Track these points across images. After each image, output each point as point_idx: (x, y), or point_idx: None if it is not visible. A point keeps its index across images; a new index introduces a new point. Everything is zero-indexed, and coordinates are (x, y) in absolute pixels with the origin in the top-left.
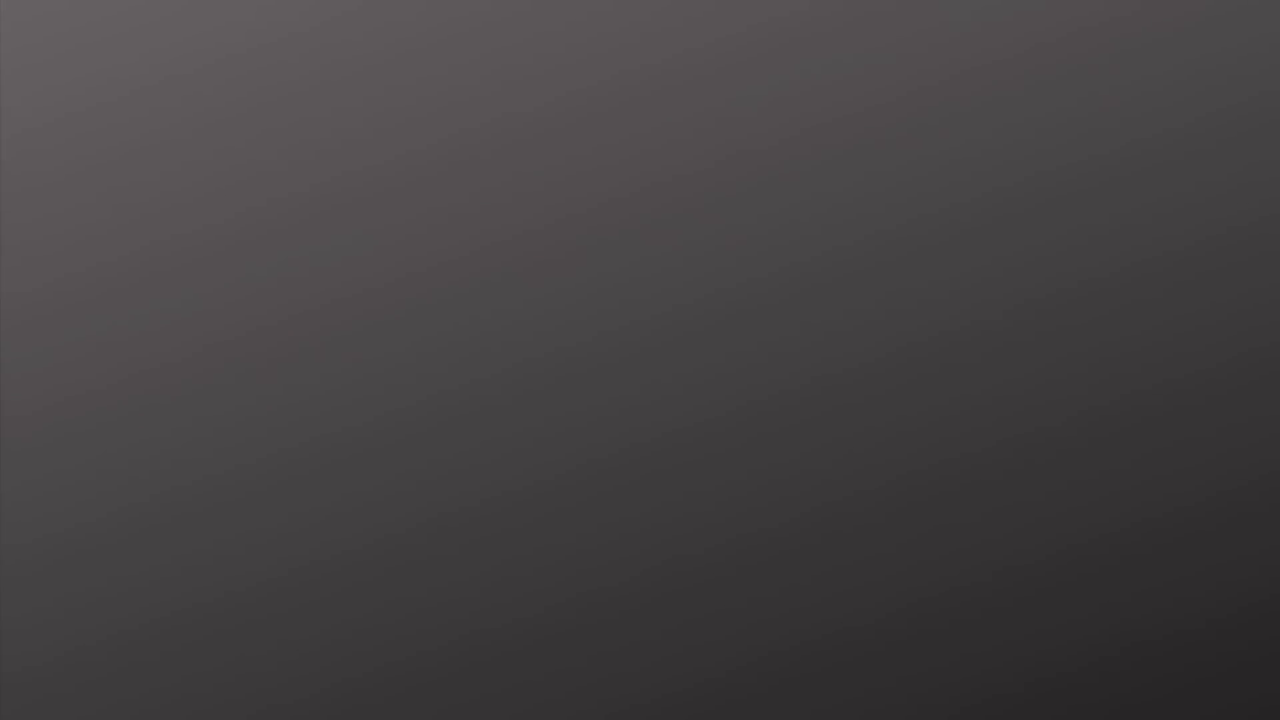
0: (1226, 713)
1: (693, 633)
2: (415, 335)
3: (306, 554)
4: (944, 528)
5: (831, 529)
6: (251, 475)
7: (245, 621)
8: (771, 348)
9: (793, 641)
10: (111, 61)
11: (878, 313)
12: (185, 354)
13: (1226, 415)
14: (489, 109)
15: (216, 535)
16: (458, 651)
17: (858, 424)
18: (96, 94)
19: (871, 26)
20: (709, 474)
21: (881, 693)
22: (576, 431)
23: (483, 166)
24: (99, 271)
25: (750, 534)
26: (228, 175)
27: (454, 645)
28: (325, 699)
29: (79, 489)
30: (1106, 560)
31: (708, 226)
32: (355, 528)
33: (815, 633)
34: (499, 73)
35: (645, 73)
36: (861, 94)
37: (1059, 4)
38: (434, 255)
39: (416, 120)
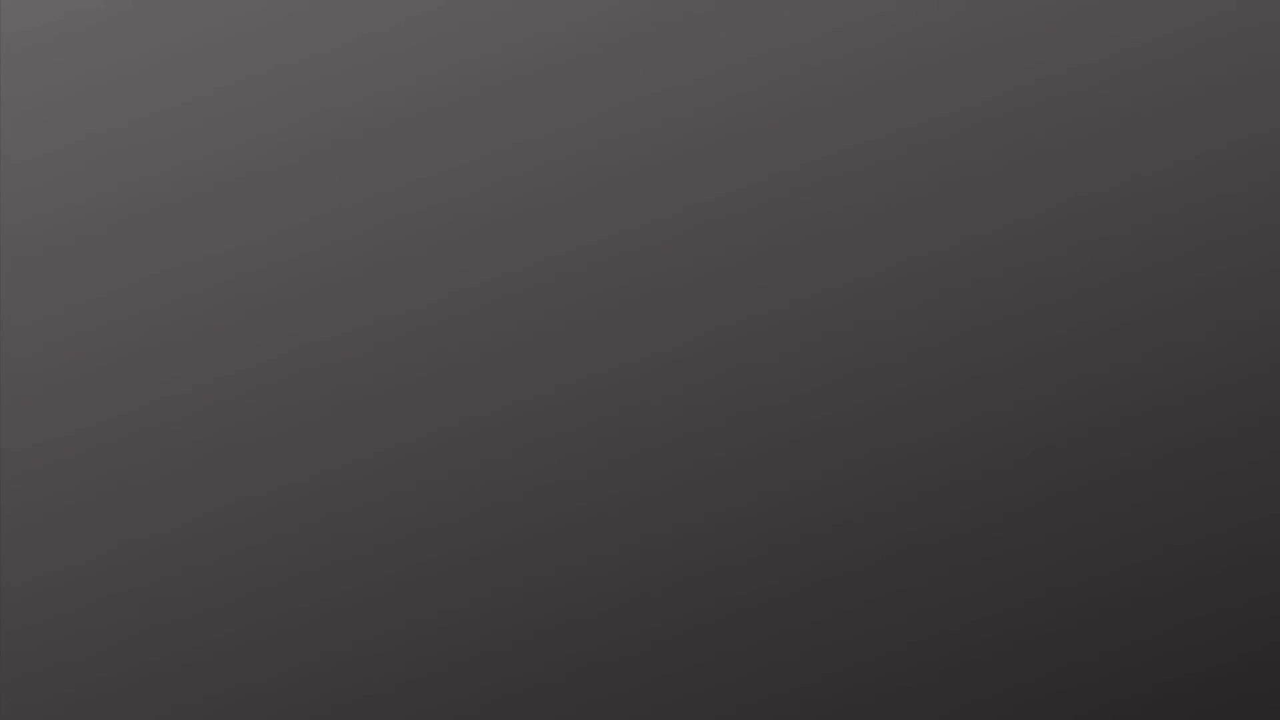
0: None
1: (704, 658)
2: (424, 360)
3: (318, 573)
4: (952, 540)
5: (847, 548)
6: (267, 495)
7: (259, 640)
8: (790, 361)
9: (807, 668)
10: (119, 85)
11: (889, 328)
12: (203, 378)
13: (1244, 441)
14: (511, 134)
15: (231, 553)
16: (466, 674)
17: (874, 439)
18: (103, 117)
19: (893, 53)
20: (722, 491)
21: (897, 710)
22: (594, 452)
23: (496, 190)
24: (103, 295)
25: (760, 557)
26: (245, 200)
27: (461, 668)
28: (336, 717)
29: (86, 514)
30: (1121, 584)
31: (722, 249)
32: (360, 554)
33: (830, 653)
34: (513, 97)
35: (664, 96)
36: (883, 117)
37: (1080, 32)
38: (450, 280)
39: (439, 143)
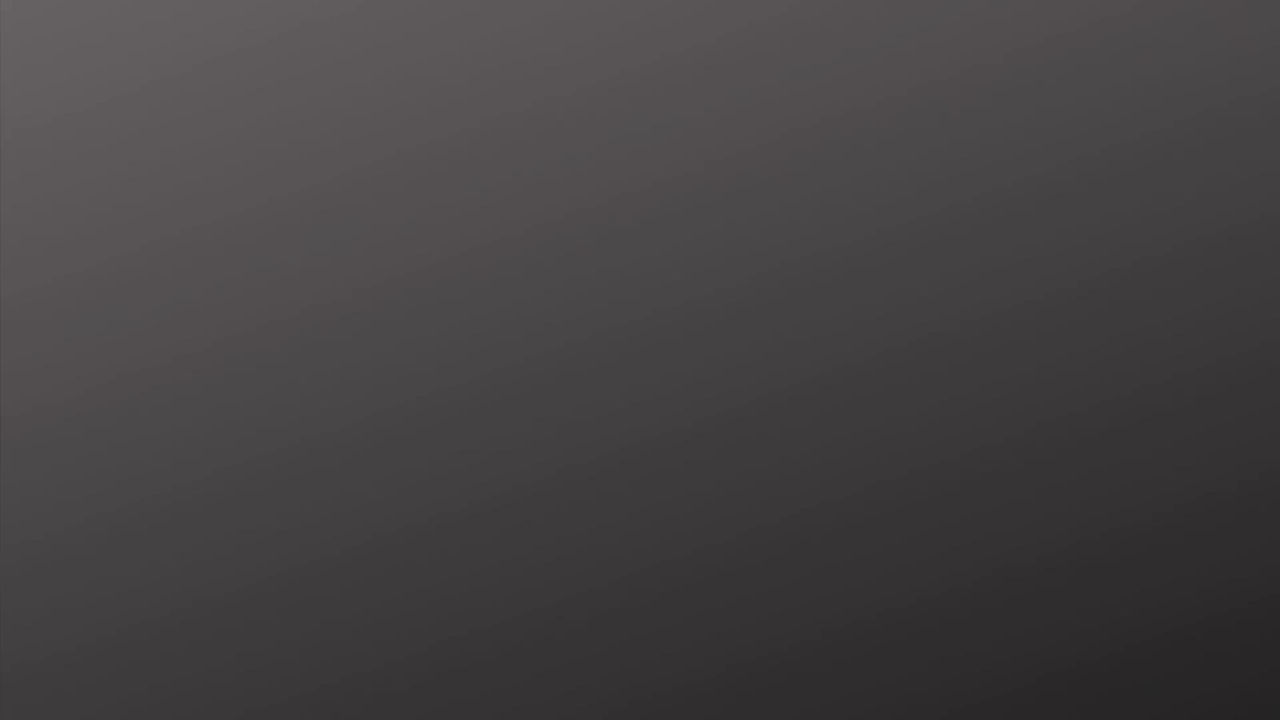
0: (1223, 711)
1: (691, 631)
2: (411, 333)
3: (304, 552)
4: (942, 526)
5: (829, 528)
6: (248, 474)
7: (243, 620)
8: (769, 346)
9: (791, 640)
10: (107, 60)
11: (873, 311)
12: (182, 352)
13: (1223, 414)
14: (479, 109)
15: (213, 534)
16: (455, 651)
17: (855, 423)
18: (92, 93)
19: (865, 25)
20: (707, 472)
21: (881, 690)
22: (574, 430)
23: (477, 166)
24: (94, 270)
25: (747, 533)
26: (222, 174)
27: (451, 644)
28: (323, 698)
29: (75, 487)
30: (1104, 560)
31: (702, 225)
32: (354, 527)
33: (813, 631)
34: (486, 73)
35: (640, 72)
36: (855, 93)
37: (1056, 4)
38: (429, 254)
39: (412, 119)
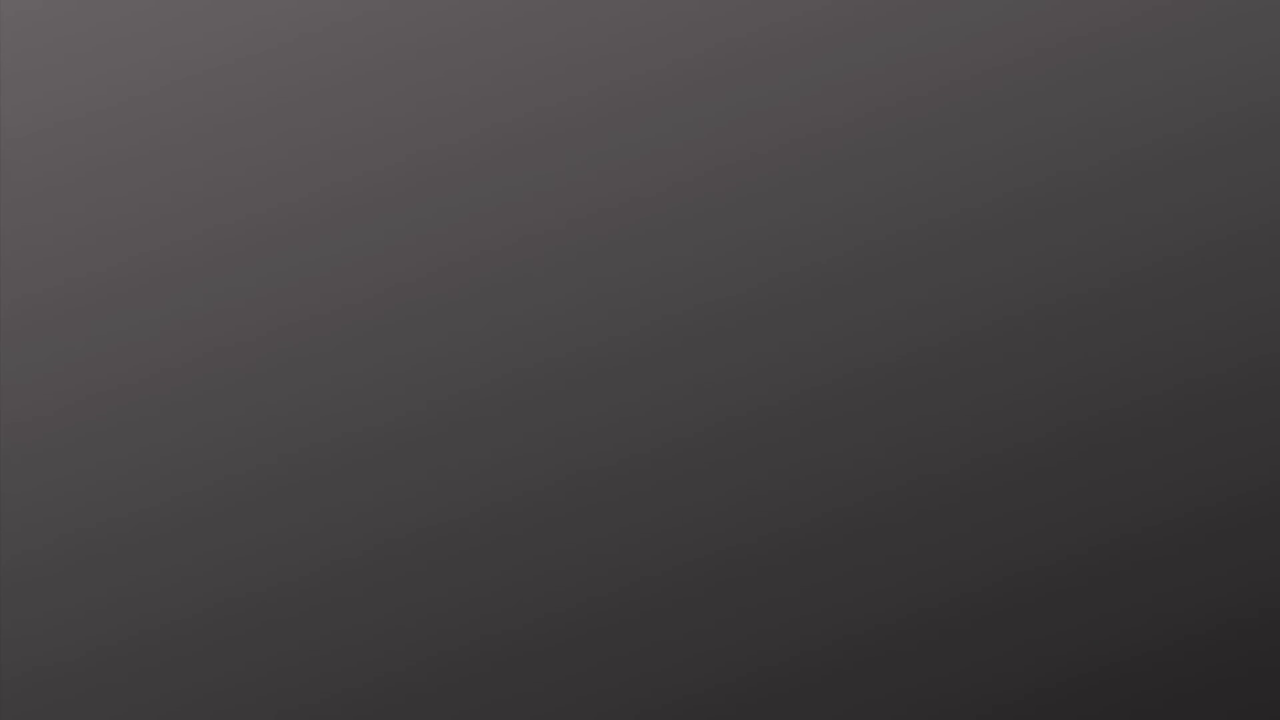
0: (1233, 717)
1: (701, 639)
2: (423, 339)
3: (315, 559)
4: (952, 533)
5: (838, 535)
6: (258, 480)
7: (253, 627)
8: (778, 352)
9: (801, 648)
10: (111, 67)
11: (883, 318)
12: (192, 358)
13: (1232, 421)
14: (491, 114)
15: (224, 541)
16: (467, 657)
17: (864, 429)
18: (96, 99)
19: (876, 31)
20: (716, 480)
21: (889, 699)
22: (585, 437)
23: (482, 172)
24: (102, 276)
25: (757, 540)
26: (229, 181)
27: (463, 650)
28: (333, 705)
29: (81, 494)
30: (1112, 567)
31: (710, 232)
32: (364, 532)
33: (823, 639)
34: (500, 78)
35: (649, 77)
36: (866, 99)
37: (1063, 9)
38: (439, 259)
39: (417, 126)
